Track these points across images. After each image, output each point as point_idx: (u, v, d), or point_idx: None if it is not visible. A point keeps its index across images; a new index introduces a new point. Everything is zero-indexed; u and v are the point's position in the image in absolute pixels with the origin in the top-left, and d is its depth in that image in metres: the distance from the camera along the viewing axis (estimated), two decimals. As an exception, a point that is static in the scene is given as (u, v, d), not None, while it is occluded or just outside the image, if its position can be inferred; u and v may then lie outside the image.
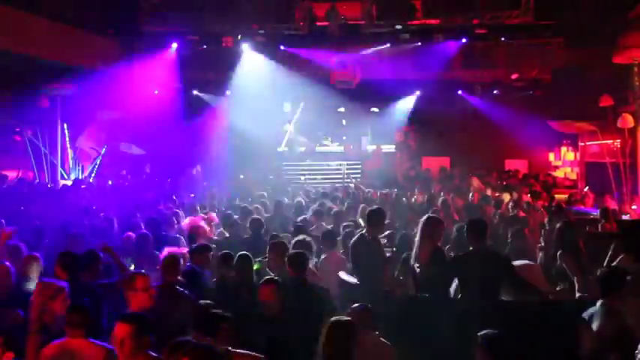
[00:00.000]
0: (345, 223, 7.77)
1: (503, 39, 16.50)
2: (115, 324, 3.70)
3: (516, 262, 5.81)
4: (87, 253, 5.51)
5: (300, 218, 8.40)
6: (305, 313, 4.57)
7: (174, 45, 17.03)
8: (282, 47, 17.34)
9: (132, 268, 6.20)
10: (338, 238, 6.97)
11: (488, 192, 13.15)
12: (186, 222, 8.39)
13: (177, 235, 7.74)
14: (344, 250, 6.76)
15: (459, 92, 18.44)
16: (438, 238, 5.66)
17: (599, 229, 8.79)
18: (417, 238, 5.66)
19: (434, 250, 5.48)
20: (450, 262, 5.60)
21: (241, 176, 16.37)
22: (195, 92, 18.89)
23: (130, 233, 7.29)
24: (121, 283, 4.80)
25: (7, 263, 5.09)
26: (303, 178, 16.93)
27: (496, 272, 5.10)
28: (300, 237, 6.27)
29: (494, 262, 5.18)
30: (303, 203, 10.19)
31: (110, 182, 15.34)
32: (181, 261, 5.49)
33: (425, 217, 5.86)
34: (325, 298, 5.06)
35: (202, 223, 8.06)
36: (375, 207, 6.48)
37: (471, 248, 5.33)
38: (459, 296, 5.23)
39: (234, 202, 11.09)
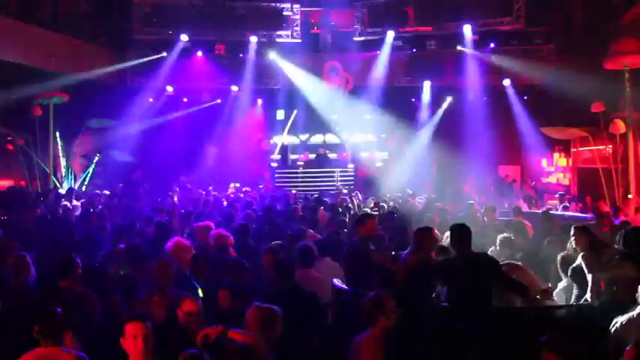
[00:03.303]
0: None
1: (493, 45, 16.60)
2: (126, 324, 3.79)
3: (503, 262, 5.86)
4: (65, 259, 5.48)
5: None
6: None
7: (166, 52, 17.08)
8: (275, 54, 17.36)
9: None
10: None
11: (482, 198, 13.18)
12: None
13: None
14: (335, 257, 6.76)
15: (450, 98, 18.49)
16: (430, 248, 5.63)
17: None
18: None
19: (421, 259, 5.45)
20: (436, 267, 5.58)
21: (237, 184, 16.35)
22: (185, 99, 18.90)
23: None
24: None
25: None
26: (294, 190, 16.83)
27: (484, 274, 5.12)
28: (301, 243, 6.31)
29: (481, 264, 5.20)
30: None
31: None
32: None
33: (417, 229, 5.85)
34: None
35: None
36: (365, 213, 6.46)
37: (456, 253, 5.37)
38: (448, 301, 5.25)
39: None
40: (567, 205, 13.02)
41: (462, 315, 4.91)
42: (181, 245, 6.08)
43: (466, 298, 5.03)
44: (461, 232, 5.39)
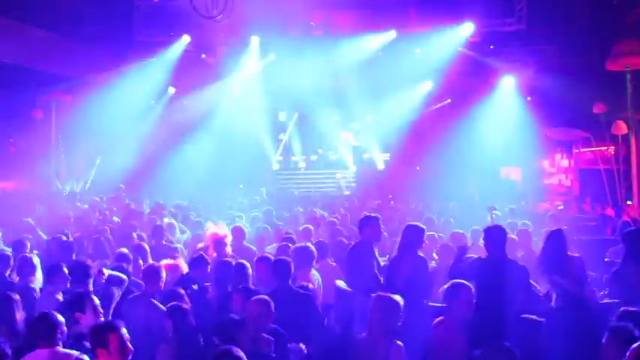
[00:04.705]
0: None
1: (492, 47, 16.56)
2: (110, 334, 3.69)
3: None
4: (79, 264, 5.48)
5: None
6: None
7: (167, 54, 17.08)
8: (276, 56, 17.35)
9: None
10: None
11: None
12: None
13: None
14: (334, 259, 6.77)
15: (450, 100, 18.46)
16: (420, 246, 5.60)
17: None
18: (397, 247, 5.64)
19: (416, 259, 5.42)
20: (466, 266, 5.50)
21: (240, 186, 16.33)
22: (185, 102, 18.89)
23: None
24: None
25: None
26: (296, 192, 16.77)
27: (509, 280, 5.07)
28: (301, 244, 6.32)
29: (509, 270, 5.14)
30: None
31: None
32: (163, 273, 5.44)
33: (406, 226, 5.82)
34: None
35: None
36: (367, 214, 6.42)
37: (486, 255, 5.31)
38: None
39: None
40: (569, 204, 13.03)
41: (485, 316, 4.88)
42: (173, 266, 6.08)
43: (488, 300, 4.98)
44: (494, 235, 5.30)
